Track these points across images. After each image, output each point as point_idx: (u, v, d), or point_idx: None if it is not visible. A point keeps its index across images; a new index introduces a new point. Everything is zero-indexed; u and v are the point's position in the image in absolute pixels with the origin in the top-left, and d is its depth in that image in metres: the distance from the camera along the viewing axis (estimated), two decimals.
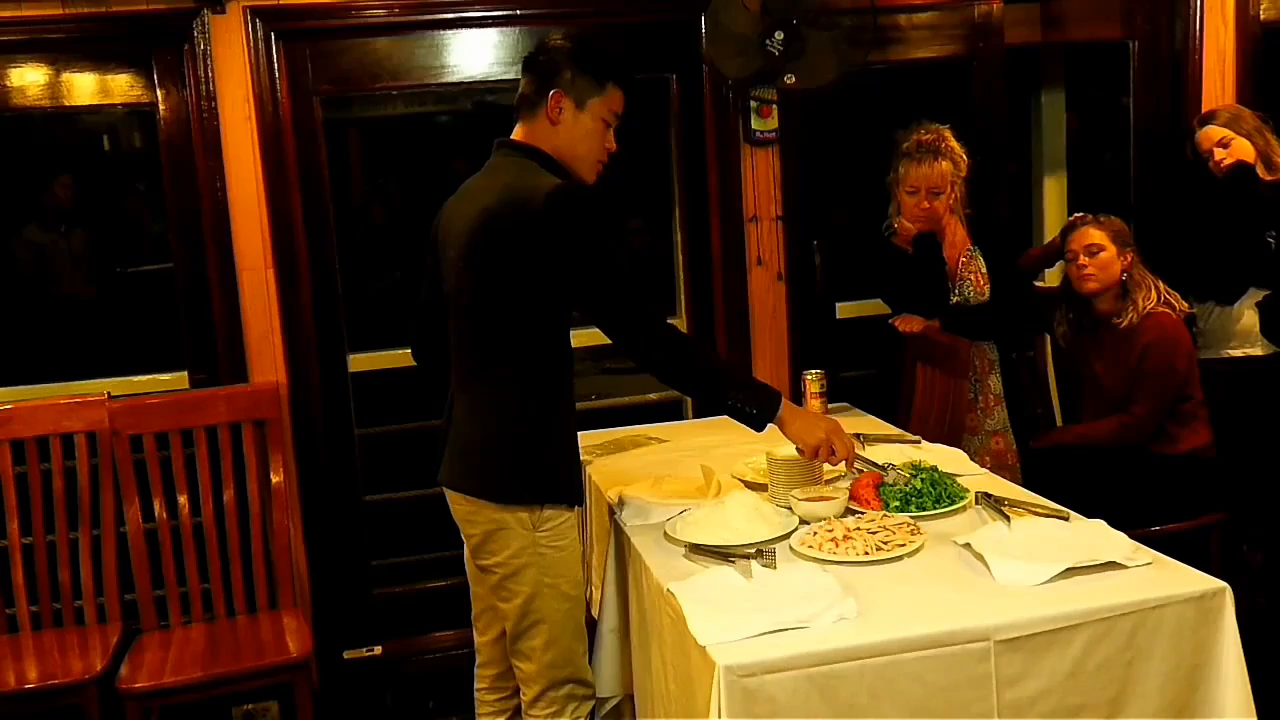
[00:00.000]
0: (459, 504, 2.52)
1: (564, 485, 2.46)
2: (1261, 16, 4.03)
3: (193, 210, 3.50)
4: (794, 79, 3.53)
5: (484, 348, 2.46)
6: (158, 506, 3.38)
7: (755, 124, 3.72)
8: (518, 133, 2.50)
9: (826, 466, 2.70)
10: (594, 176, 2.51)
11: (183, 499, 3.40)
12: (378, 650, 3.79)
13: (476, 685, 2.80)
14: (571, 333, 2.51)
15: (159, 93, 3.46)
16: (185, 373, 3.60)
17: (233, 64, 3.41)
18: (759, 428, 2.44)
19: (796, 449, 2.50)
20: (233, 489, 3.43)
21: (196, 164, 3.46)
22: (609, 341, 2.42)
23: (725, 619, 1.99)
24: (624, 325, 2.38)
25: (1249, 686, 2.03)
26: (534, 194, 2.33)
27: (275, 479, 3.45)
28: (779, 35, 3.45)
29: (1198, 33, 3.97)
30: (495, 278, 2.39)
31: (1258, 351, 3.63)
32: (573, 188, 2.39)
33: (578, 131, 2.45)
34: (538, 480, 2.43)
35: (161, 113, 3.47)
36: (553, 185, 2.35)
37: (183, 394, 3.51)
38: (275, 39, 3.45)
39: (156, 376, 3.65)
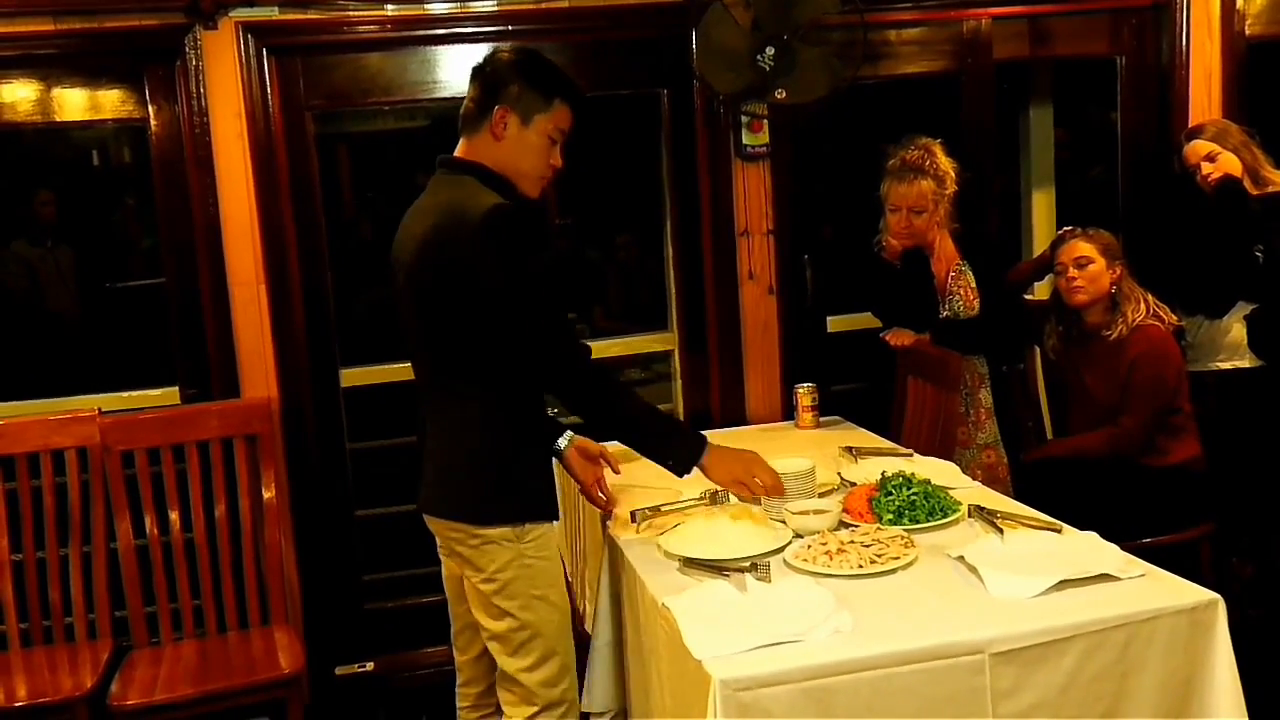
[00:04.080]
0: (441, 529, 2.52)
1: (542, 502, 2.45)
2: (1247, 32, 4.06)
3: (185, 226, 3.49)
4: (785, 94, 3.54)
5: (444, 371, 2.44)
6: (149, 522, 3.37)
7: (746, 139, 3.73)
8: (461, 148, 2.47)
9: (821, 480, 2.72)
10: (537, 192, 2.49)
11: (174, 515, 3.39)
12: (369, 666, 3.78)
13: (459, 704, 2.77)
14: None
15: (150, 108, 3.45)
16: (177, 388, 3.59)
17: (225, 79, 3.41)
18: (680, 474, 2.47)
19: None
20: (224, 504, 3.42)
21: (188, 179, 3.45)
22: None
23: (720, 633, 2.00)
24: (545, 357, 2.35)
25: (1242, 698, 2.04)
26: (471, 214, 2.30)
27: (267, 494, 3.44)
28: (770, 51, 3.47)
29: (1184, 48, 4.00)
30: (441, 300, 2.37)
31: (1245, 364, 3.64)
32: (508, 209, 2.33)
33: (521, 147, 2.42)
34: (516, 500, 2.41)
35: (153, 128, 3.46)
36: (488, 205, 2.30)
37: (174, 409, 3.50)
38: (267, 54, 3.45)
39: (147, 392, 3.64)
